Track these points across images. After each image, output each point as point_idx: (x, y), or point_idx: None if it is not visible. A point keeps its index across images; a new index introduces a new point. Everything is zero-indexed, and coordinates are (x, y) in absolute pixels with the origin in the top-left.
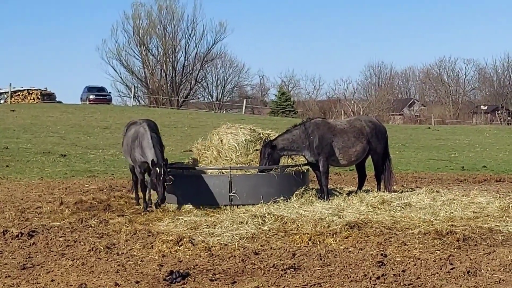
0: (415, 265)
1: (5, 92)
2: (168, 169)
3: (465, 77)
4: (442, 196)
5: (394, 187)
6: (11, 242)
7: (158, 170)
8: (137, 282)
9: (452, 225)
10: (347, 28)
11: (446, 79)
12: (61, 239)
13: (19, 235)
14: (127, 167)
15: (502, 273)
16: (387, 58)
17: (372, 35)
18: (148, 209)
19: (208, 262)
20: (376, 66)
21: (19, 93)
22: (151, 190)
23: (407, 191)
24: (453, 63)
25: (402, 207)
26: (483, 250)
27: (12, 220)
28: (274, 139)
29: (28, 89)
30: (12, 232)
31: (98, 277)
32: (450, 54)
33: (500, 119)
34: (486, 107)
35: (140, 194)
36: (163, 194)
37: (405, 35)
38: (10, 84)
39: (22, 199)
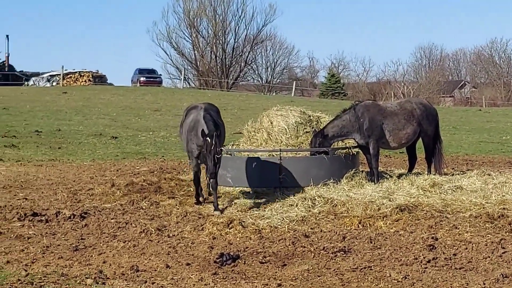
0: (466, 248)
1: (57, 75)
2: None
3: None
4: (493, 179)
5: (445, 170)
6: (63, 223)
7: (209, 140)
8: (188, 264)
9: (504, 208)
10: (397, 9)
11: (497, 61)
12: (112, 220)
13: (71, 217)
14: (177, 149)
15: None
16: (437, 40)
17: (423, 16)
18: (199, 203)
19: (258, 245)
20: (426, 48)
21: (71, 75)
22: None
23: (458, 174)
24: (505, 44)
25: (453, 190)
26: None
27: (65, 201)
28: (324, 127)
29: (79, 72)
30: (64, 214)
31: (149, 259)
32: (502, 35)
33: None
34: None
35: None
36: (213, 167)
37: (456, 16)
38: (62, 66)
39: (74, 181)
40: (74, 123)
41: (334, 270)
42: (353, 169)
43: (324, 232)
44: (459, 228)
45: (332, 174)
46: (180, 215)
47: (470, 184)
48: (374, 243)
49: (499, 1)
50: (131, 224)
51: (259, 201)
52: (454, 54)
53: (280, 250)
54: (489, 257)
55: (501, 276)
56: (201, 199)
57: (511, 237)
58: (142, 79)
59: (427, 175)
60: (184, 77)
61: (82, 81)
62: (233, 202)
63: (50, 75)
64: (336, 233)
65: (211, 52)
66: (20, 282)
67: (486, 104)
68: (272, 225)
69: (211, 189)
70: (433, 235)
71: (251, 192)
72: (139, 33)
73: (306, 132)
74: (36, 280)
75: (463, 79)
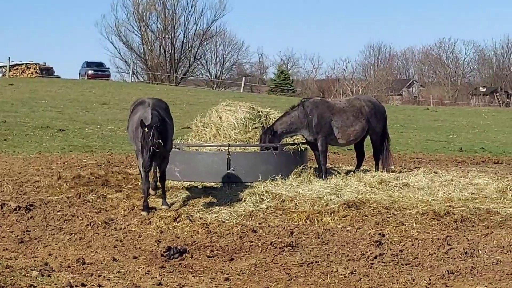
0: (412, 245)
1: (4, 66)
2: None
3: (465, 58)
4: (440, 177)
5: (392, 167)
6: (9, 215)
7: (147, 131)
8: (134, 257)
9: (450, 206)
10: (347, 7)
11: (445, 60)
12: (59, 213)
13: (17, 209)
14: (125, 143)
15: (500, 254)
16: (386, 38)
17: (372, 14)
18: (146, 210)
19: (206, 239)
20: (375, 46)
21: (18, 67)
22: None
23: (405, 172)
24: (453, 44)
25: (400, 187)
26: (481, 231)
27: (10, 193)
28: (273, 124)
29: (26, 64)
30: (10, 206)
31: (96, 251)
32: (450, 35)
33: (499, 101)
34: (485, 89)
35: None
36: (148, 160)
37: (405, 15)
38: (9, 58)
39: (20, 173)
40: (20, 115)
41: (282, 265)
42: (302, 165)
43: (272, 227)
44: (405, 225)
45: (280, 169)
46: (128, 209)
47: (417, 181)
48: (322, 239)
49: (448, 1)
50: (77, 217)
51: (207, 195)
52: (403, 53)
53: (228, 245)
54: (435, 253)
55: (447, 272)
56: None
57: (457, 234)
58: (90, 72)
59: (375, 172)
60: (133, 71)
61: (29, 73)
62: (181, 197)
63: None
64: (283, 228)
65: (160, 46)
66: None
67: (433, 103)
68: (219, 219)
69: (161, 182)
70: (380, 232)
71: (199, 186)
72: (87, 26)
73: (255, 127)
74: None
75: (411, 78)
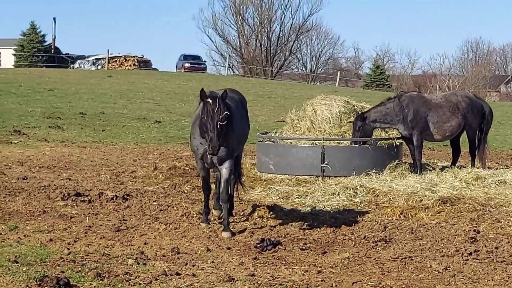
0: (508, 242)
1: (103, 58)
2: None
3: None
4: None
5: (489, 164)
6: (106, 204)
7: (210, 101)
8: (228, 248)
9: None
10: (446, 2)
11: None
12: (154, 203)
13: (114, 198)
14: None
15: None
16: (485, 34)
17: (471, 9)
18: (205, 222)
19: (299, 232)
20: (473, 42)
21: (116, 59)
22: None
23: (502, 168)
24: None
25: (497, 184)
26: None
27: (108, 183)
28: (367, 111)
29: (125, 56)
30: (107, 195)
31: (191, 241)
32: None
33: None
34: None
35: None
36: (216, 139)
37: (504, 10)
38: (108, 50)
39: (117, 163)
40: (118, 107)
41: (375, 259)
42: (396, 160)
43: (365, 221)
44: (501, 222)
45: (375, 164)
46: None
47: None
48: (415, 234)
49: None
50: (173, 207)
51: (301, 189)
52: (502, 48)
53: (321, 238)
54: None
55: None
56: (212, 213)
57: None
58: (186, 65)
59: (471, 168)
60: (229, 65)
61: (127, 65)
62: (274, 189)
63: (95, 59)
64: (377, 222)
65: (256, 40)
66: (62, 260)
67: None
68: (313, 212)
69: (221, 201)
70: (475, 228)
71: (293, 179)
72: (185, 19)
73: (350, 121)
74: (78, 259)
75: (510, 74)
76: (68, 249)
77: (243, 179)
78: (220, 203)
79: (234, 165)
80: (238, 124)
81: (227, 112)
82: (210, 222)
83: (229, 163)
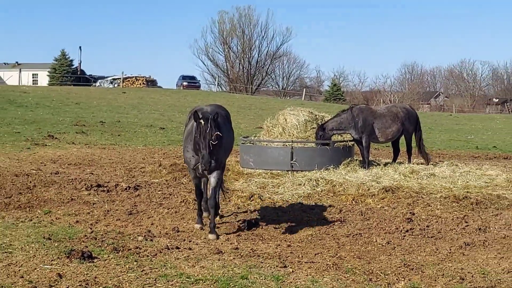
0: (437, 222)
1: (118, 78)
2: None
3: (481, 75)
4: (460, 168)
5: (421, 161)
6: (121, 193)
7: (202, 123)
8: (217, 227)
9: (468, 192)
10: (387, 32)
11: (465, 76)
12: (159, 192)
13: (127, 188)
14: None
15: (507, 231)
16: (419, 58)
17: (408, 39)
18: (200, 223)
19: (273, 214)
20: (409, 65)
21: (129, 79)
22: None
23: (432, 164)
24: (472, 64)
25: (428, 176)
26: (492, 212)
27: (122, 176)
28: (325, 122)
29: (136, 76)
30: (122, 186)
31: (188, 223)
32: (470, 56)
33: (509, 109)
34: (497, 100)
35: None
36: (208, 157)
37: (434, 39)
38: (122, 72)
39: (129, 161)
40: (130, 116)
41: (332, 235)
42: (349, 158)
43: (325, 206)
44: (431, 206)
45: (332, 161)
46: None
47: (441, 172)
48: (364, 216)
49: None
50: (174, 195)
51: (274, 180)
52: (432, 70)
53: (290, 219)
54: (454, 229)
55: (464, 244)
56: (204, 215)
57: (473, 214)
58: (184, 83)
59: (407, 164)
60: (218, 83)
61: (138, 84)
62: (254, 181)
63: (112, 78)
64: (334, 207)
65: (239, 64)
66: (86, 237)
67: (455, 111)
68: (284, 199)
69: (208, 206)
70: (411, 211)
71: (268, 173)
72: (183, 47)
73: (313, 127)
74: (98, 236)
75: (438, 90)
76: (91, 228)
77: (224, 186)
78: (208, 207)
79: (222, 174)
80: (226, 138)
81: (218, 132)
82: (204, 223)
83: (217, 173)
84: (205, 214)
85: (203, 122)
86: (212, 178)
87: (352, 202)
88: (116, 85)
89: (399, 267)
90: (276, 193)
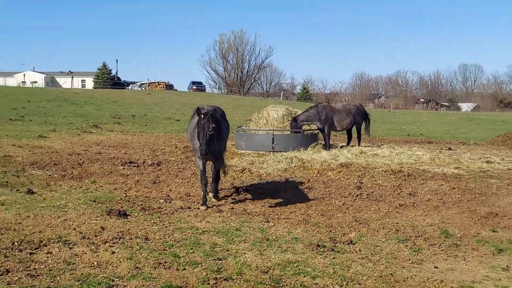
0: (379, 189)
1: (145, 83)
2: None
3: (412, 81)
4: (396, 150)
5: (369, 144)
6: (147, 168)
7: (202, 117)
8: (218, 193)
9: (401, 167)
10: (343, 49)
11: (400, 83)
12: (175, 167)
13: (152, 164)
14: None
15: (430, 195)
16: (366, 69)
17: (358, 54)
18: (204, 205)
19: (259, 183)
20: (359, 74)
21: (153, 84)
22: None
23: (375, 147)
24: (405, 73)
25: (372, 156)
26: (419, 182)
27: (148, 155)
28: (297, 115)
29: (158, 82)
30: (148, 162)
31: (196, 189)
32: (404, 67)
33: (432, 107)
34: (423, 100)
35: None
36: (205, 144)
37: (377, 55)
38: (148, 78)
39: (154, 144)
40: (154, 111)
41: (303, 199)
42: (315, 142)
43: (297, 177)
44: (375, 177)
45: (303, 145)
46: None
47: (382, 152)
48: (326, 184)
49: (403, 46)
50: (186, 169)
51: (260, 158)
52: (376, 78)
53: (272, 187)
54: (392, 194)
55: (399, 205)
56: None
57: (405, 183)
58: (193, 87)
59: (357, 147)
60: (218, 87)
61: (159, 88)
62: (245, 159)
63: (140, 83)
64: (304, 178)
65: (234, 73)
66: (122, 200)
67: (393, 108)
68: (267, 172)
69: (211, 177)
70: (360, 181)
71: (255, 153)
72: (194, 60)
73: (289, 120)
74: (131, 199)
75: (380, 93)
76: (125, 194)
77: (225, 163)
78: (211, 181)
79: (222, 161)
80: (224, 131)
81: (214, 125)
82: (208, 205)
83: (220, 160)
84: (210, 194)
85: (203, 117)
86: (217, 164)
87: (317, 175)
88: (143, 88)
89: (351, 222)
90: (262, 168)
